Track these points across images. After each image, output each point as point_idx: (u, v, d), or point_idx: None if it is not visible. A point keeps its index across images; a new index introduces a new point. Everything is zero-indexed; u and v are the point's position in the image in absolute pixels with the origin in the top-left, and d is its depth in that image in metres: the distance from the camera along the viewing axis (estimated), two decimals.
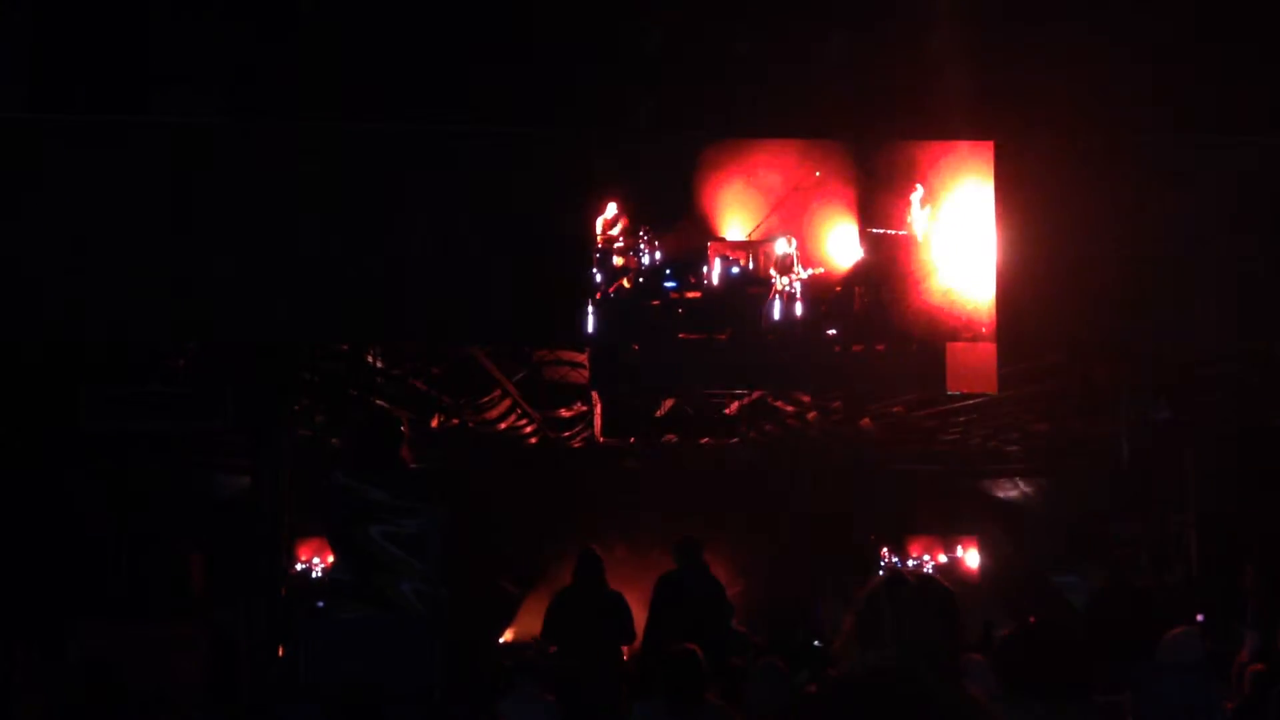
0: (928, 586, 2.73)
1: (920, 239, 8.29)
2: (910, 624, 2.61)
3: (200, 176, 8.20)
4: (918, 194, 8.32)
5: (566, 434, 11.83)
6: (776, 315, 8.21)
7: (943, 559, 13.15)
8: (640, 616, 8.32)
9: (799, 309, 8.19)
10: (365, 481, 5.42)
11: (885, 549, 13.07)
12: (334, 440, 10.51)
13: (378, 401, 9.65)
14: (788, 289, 8.21)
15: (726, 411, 10.75)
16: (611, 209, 8.35)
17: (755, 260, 8.31)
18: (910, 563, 13.02)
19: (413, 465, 5.67)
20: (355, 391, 9.82)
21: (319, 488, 5.50)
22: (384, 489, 5.41)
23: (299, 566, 11.80)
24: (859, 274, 8.33)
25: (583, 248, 8.29)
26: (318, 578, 11.56)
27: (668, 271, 8.31)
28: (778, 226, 8.36)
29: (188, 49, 8.07)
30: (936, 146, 8.33)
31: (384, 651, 5.21)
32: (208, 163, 8.21)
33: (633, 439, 11.45)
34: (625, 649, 8.50)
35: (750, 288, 8.21)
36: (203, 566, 5.98)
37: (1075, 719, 3.56)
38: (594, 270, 8.25)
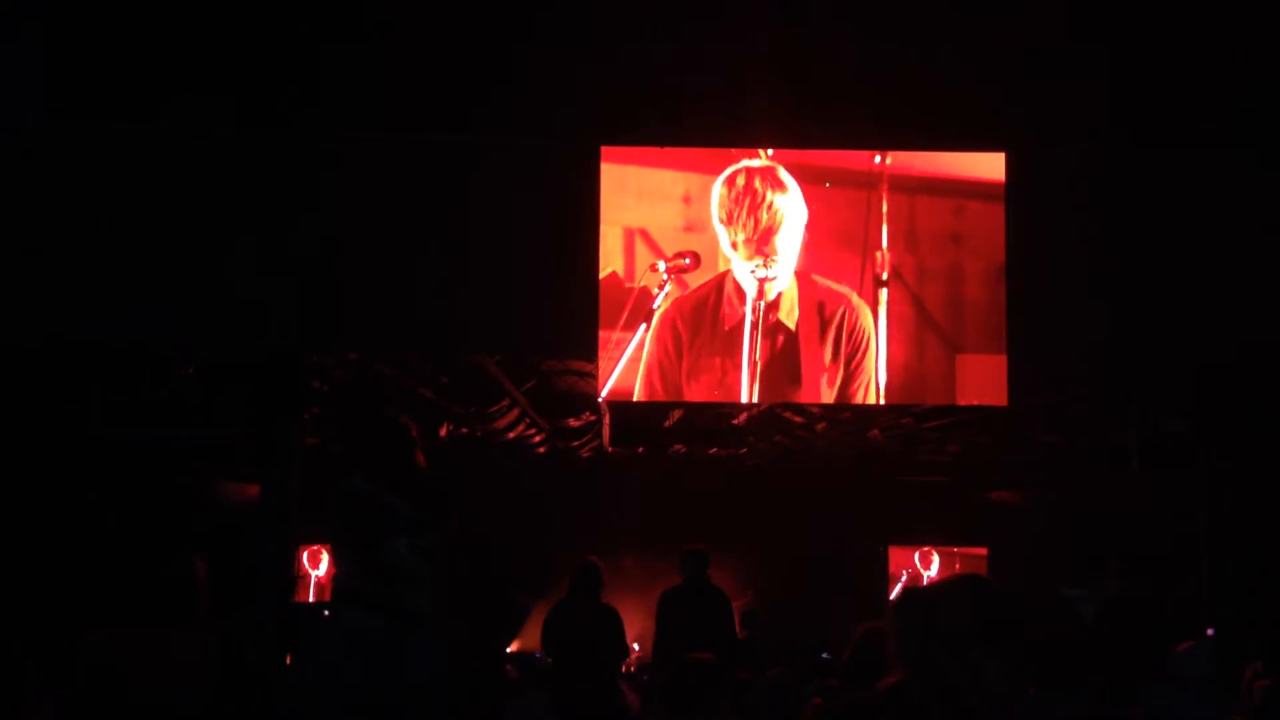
0: (959, 609, 2.46)
1: None
2: (926, 648, 2.43)
3: (212, 185, 8.24)
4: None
5: (575, 444, 11.83)
6: None
7: (950, 569, 13.09)
8: (647, 628, 8.28)
9: None
10: (388, 491, 5.31)
11: (899, 562, 13.03)
12: (340, 448, 10.49)
13: (386, 409, 9.63)
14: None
15: (735, 422, 10.73)
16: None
17: None
18: (924, 575, 12.97)
19: (425, 471, 5.61)
20: (364, 400, 9.82)
21: (337, 493, 5.37)
22: (407, 500, 5.31)
23: (311, 573, 11.80)
24: None
25: (591, 257, 8.31)
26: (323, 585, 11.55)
27: None
28: None
29: (200, 58, 8.10)
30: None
31: (394, 661, 5.16)
32: (219, 171, 8.26)
33: (641, 449, 11.43)
34: (625, 663, 8.44)
35: None
36: (210, 573, 5.97)
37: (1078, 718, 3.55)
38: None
